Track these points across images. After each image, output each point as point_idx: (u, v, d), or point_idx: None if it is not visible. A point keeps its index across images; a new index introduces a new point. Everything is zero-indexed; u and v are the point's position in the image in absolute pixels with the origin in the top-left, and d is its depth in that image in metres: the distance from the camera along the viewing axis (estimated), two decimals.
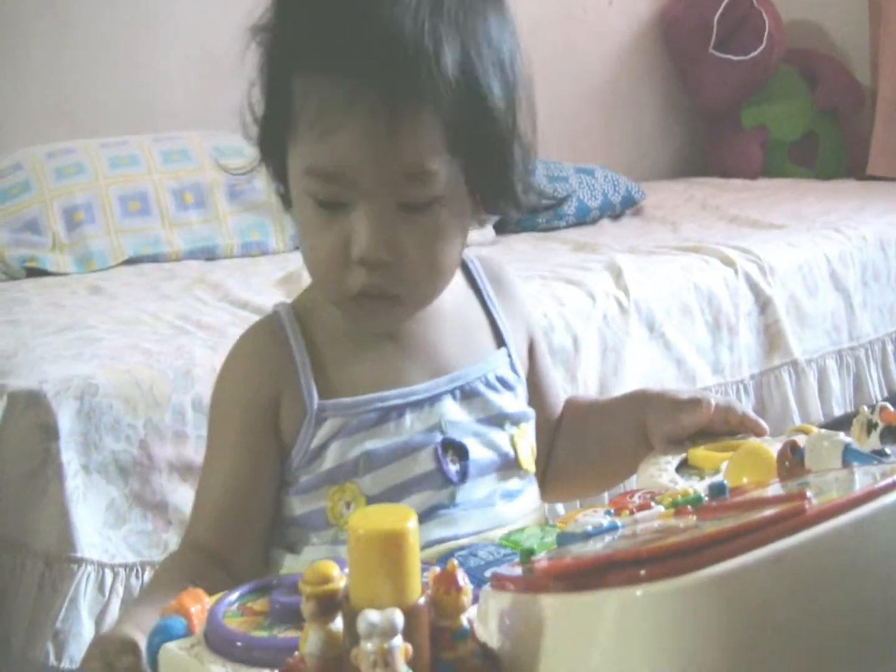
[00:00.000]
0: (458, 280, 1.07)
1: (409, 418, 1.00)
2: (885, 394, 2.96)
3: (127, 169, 2.81)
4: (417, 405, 1.01)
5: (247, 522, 1.00)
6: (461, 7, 0.93)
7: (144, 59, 3.16)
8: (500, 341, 1.09)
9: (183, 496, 1.81)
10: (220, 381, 1.05)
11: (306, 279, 2.46)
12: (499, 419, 1.05)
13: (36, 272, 2.60)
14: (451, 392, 1.02)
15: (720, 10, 4.05)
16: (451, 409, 1.02)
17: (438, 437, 1.00)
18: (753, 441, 1.01)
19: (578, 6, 4.00)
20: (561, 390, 1.21)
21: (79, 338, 1.97)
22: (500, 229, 2.99)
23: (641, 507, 0.77)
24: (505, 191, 1.00)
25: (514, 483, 1.05)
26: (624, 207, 3.40)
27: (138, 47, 3.15)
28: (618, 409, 1.14)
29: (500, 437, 1.04)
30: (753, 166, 4.08)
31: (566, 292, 2.34)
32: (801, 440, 0.85)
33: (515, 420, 1.06)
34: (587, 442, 1.15)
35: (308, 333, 1.03)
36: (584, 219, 3.25)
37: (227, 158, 2.84)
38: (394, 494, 0.98)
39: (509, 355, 1.08)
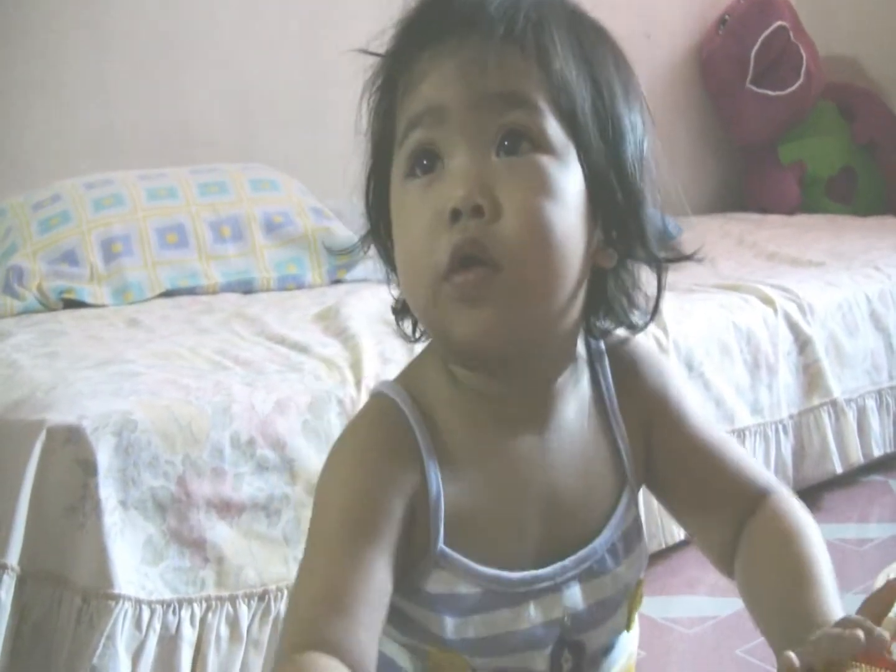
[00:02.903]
0: (583, 386, 0.94)
1: (530, 609, 0.89)
2: None
3: (165, 201, 2.82)
4: (540, 594, 0.90)
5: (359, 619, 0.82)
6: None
7: (182, 92, 3.19)
8: (622, 474, 0.95)
9: (220, 533, 1.81)
10: (331, 485, 0.88)
11: (344, 314, 2.46)
12: (623, 593, 0.94)
13: (73, 303, 2.61)
14: (578, 576, 0.91)
15: (757, 45, 4.04)
16: (574, 596, 0.91)
17: (557, 633, 0.90)
18: None
19: (616, 37, 3.99)
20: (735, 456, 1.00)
21: (118, 372, 1.97)
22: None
23: None
24: (633, 216, 0.89)
25: (617, 645, 0.96)
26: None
27: (177, 79, 3.18)
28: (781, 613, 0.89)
29: (620, 613, 0.95)
30: (791, 202, 4.07)
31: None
32: None
33: (636, 581, 0.96)
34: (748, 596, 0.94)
35: (433, 434, 0.89)
36: None
37: (263, 192, 2.90)
38: None
39: (631, 490, 0.95)
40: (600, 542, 0.92)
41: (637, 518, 0.96)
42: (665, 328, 2.42)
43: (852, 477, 2.80)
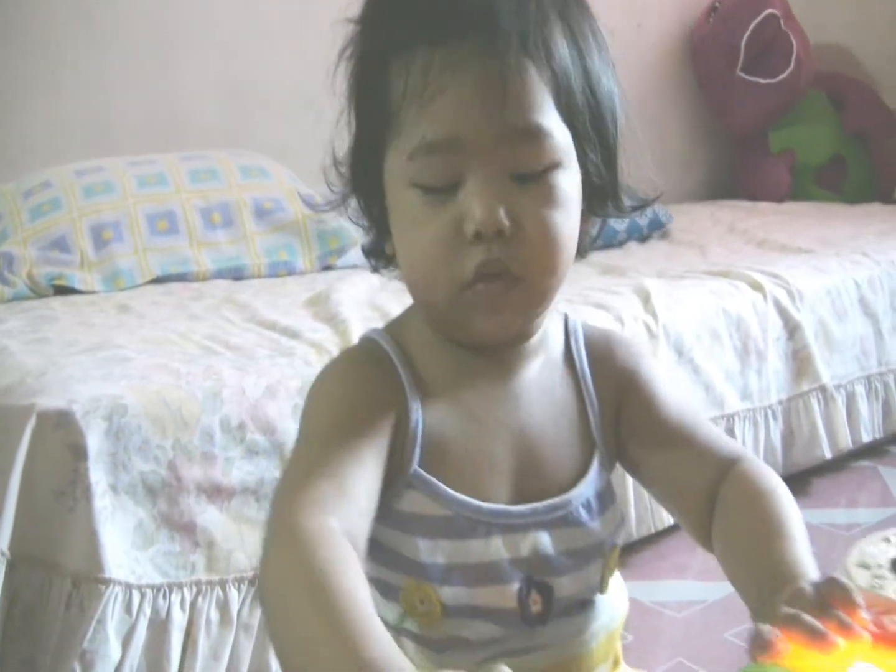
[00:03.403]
0: (554, 344, 1.00)
1: (499, 542, 0.92)
2: None
3: (155, 188, 2.82)
4: (509, 529, 0.92)
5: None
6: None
7: (175, 80, 3.18)
8: (591, 440, 0.99)
9: (210, 517, 1.81)
10: (319, 397, 0.93)
11: (334, 300, 2.47)
12: (596, 549, 0.96)
13: (64, 290, 2.61)
14: (549, 522, 0.94)
15: (748, 33, 4.04)
16: (545, 542, 0.93)
17: (524, 573, 0.92)
18: None
19: (605, 27, 3.99)
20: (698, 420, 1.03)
21: (108, 357, 1.97)
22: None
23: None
24: (611, 180, 0.94)
25: (592, 607, 0.98)
26: (651, 230, 3.39)
27: (169, 67, 3.17)
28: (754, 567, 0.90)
29: (594, 569, 0.97)
30: (781, 190, 4.07)
31: (595, 316, 2.33)
32: None
33: (612, 545, 0.98)
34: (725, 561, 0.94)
35: (412, 372, 0.94)
36: (612, 241, 3.25)
37: (253, 179, 2.89)
38: (469, 613, 0.91)
39: (601, 456, 0.99)
40: (574, 495, 0.95)
41: (610, 484, 1.00)
42: (655, 314, 2.43)
43: (841, 462, 2.81)
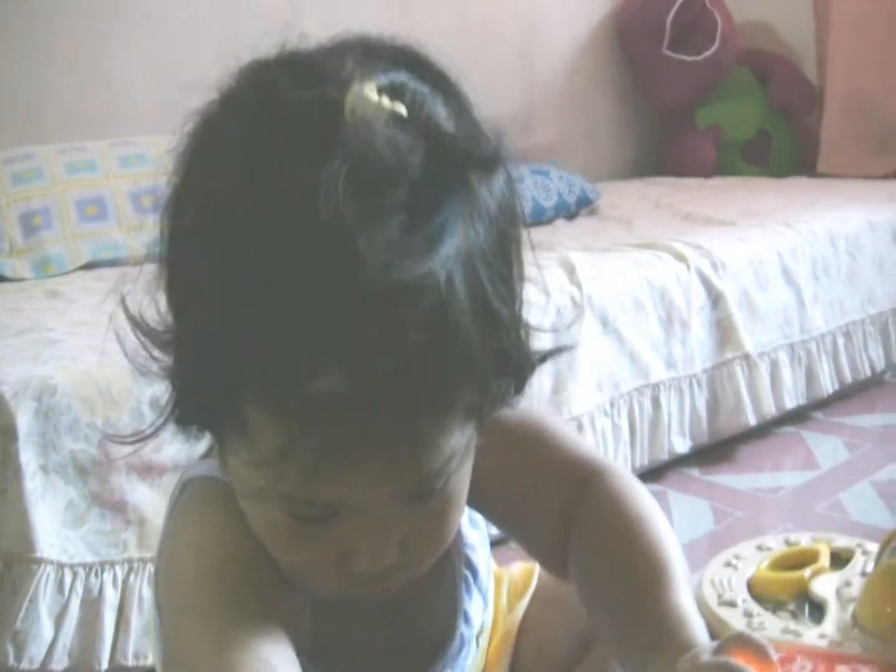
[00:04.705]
0: None
1: None
2: (837, 386, 3.01)
3: (84, 174, 2.81)
4: None
5: None
6: (456, 225, 0.67)
7: (104, 65, 3.16)
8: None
9: (142, 495, 1.82)
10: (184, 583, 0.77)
11: None
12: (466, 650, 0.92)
13: None
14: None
15: (673, 12, 4.08)
16: None
17: None
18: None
19: (534, 6, 4.02)
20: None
21: (37, 340, 1.97)
22: None
23: None
24: (517, 388, 0.78)
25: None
26: (579, 207, 3.42)
27: (105, 54, 3.15)
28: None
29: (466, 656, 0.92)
30: (708, 165, 4.12)
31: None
32: None
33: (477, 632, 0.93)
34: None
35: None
36: (540, 219, 3.26)
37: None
38: None
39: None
40: (454, 641, 0.90)
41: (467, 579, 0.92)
42: (580, 285, 2.46)
43: (766, 429, 2.85)
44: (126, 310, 0.80)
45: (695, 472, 2.67)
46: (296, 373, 0.64)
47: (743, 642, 0.69)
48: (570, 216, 3.40)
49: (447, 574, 0.90)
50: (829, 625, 0.87)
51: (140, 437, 0.82)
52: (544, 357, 0.79)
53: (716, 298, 2.71)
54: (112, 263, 2.72)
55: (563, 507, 0.85)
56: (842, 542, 1.02)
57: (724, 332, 2.72)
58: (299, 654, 0.74)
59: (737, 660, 0.67)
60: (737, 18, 4.24)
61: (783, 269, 2.89)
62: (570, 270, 2.51)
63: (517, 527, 0.90)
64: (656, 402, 2.57)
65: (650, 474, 2.57)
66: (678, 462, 2.67)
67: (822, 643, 0.85)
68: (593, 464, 0.87)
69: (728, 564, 0.99)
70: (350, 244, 0.62)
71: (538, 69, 4.06)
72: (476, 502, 0.87)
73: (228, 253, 0.66)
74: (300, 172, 0.64)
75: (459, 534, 0.91)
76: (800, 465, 2.68)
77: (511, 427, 0.86)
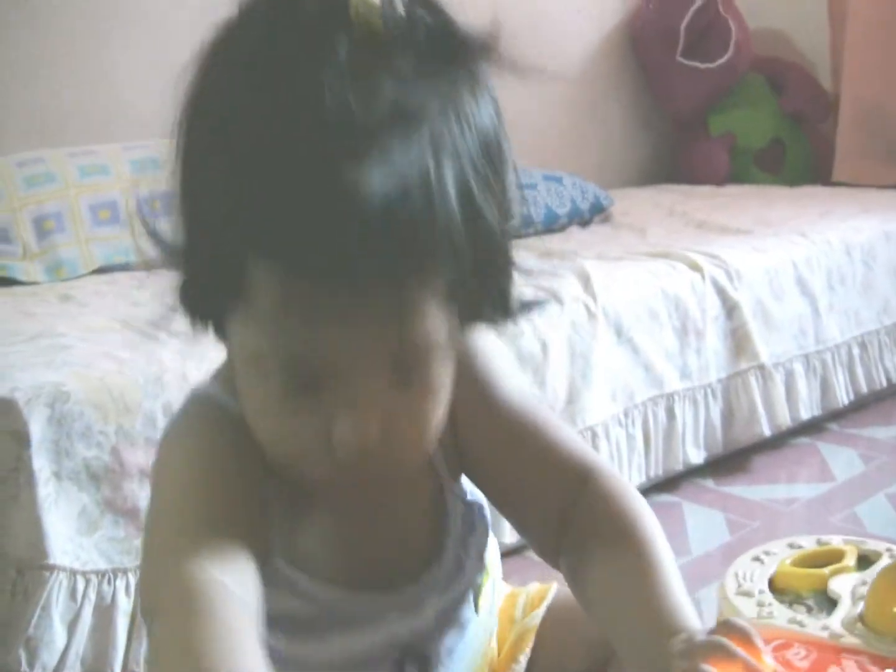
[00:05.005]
0: None
1: (367, 631, 0.87)
2: (852, 397, 2.99)
3: (97, 177, 2.81)
4: (376, 619, 0.88)
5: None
6: (445, 121, 0.74)
7: (113, 67, 3.16)
8: (434, 474, 0.92)
9: None
10: (170, 482, 0.83)
11: None
12: (468, 588, 0.93)
13: (5, 281, 2.59)
14: (424, 597, 0.89)
15: (687, 18, 4.08)
16: (420, 616, 0.90)
17: (397, 652, 0.89)
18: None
19: (545, 13, 4.01)
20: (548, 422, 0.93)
21: (50, 345, 1.96)
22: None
23: None
24: (502, 305, 0.83)
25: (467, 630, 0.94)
26: (592, 214, 3.41)
27: (107, 56, 3.15)
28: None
29: (466, 608, 0.93)
30: (721, 173, 4.11)
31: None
32: None
33: (480, 581, 0.94)
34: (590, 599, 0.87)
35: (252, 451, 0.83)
36: (553, 226, 3.26)
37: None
38: None
39: (449, 489, 0.93)
40: (444, 561, 0.91)
41: (469, 512, 0.93)
42: (594, 295, 2.45)
43: (781, 439, 2.84)
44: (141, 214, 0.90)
45: (709, 482, 2.66)
46: (294, 224, 0.70)
47: (728, 629, 0.73)
48: (584, 223, 3.38)
49: (431, 491, 0.92)
50: (835, 619, 0.93)
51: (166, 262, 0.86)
52: (529, 305, 0.86)
53: (731, 308, 2.70)
54: (124, 268, 2.71)
55: (560, 503, 0.89)
56: (872, 544, 1.06)
57: (738, 342, 2.71)
58: (276, 555, 0.82)
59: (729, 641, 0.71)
60: (751, 25, 4.23)
61: (798, 279, 2.88)
62: (585, 280, 2.50)
63: (514, 513, 0.94)
64: (671, 413, 2.56)
65: (664, 485, 2.57)
66: (693, 473, 2.66)
67: (824, 634, 0.90)
68: (590, 463, 0.90)
69: (756, 559, 1.05)
70: (348, 114, 0.69)
71: (549, 74, 4.03)
72: (472, 478, 0.93)
73: (240, 124, 0.73)
74: (306, 51, 0.72)
75: (460, 486, 0.94)
76: (815, 477, 2.67)
77: (512, 414, 0.91)
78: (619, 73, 4.28)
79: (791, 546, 1.08)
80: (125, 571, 1.79)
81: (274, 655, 0.75)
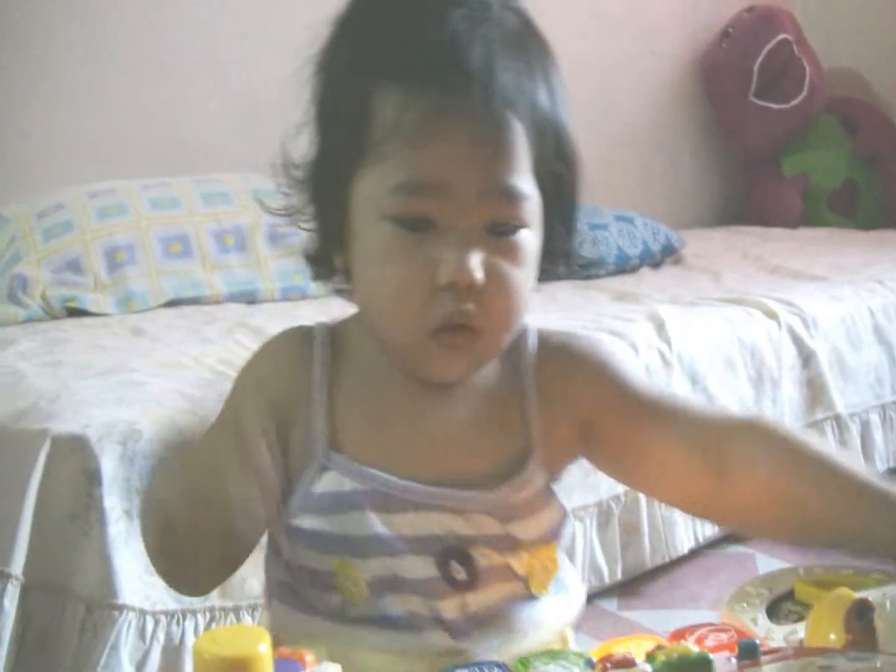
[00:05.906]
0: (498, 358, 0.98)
1: (413, 517, 0.92)
2: None
3: (168, 210, 2.82)
4: (424, 507, 0.92)
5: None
6: (534, 44, 0.92)
7: (184, 99, 3.18)
8: (526, 441, 0.96)
9: None
10: (242, 375, 1.00)
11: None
12: (511, 545, 0.94)
13: (76, 312, 2.61)
14: (462, 510, 0.92)
15: (761, 58, 4.05)
16: (458, 524, 0.92)
17: (440, 547, 0.92)
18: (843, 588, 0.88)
19: (619, 51, 4.00)
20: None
21: (122, 381, 1.96)
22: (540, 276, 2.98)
23: (622, 664, 0.74)
24: (567, 240, 0.97)
25: (527, 602, 0.96)
26: (664, 256, 3.38)
27: (178, 87, 3.17)
28: (860, 504, 0.86)
29: (513, 560, 0.95)
30: (794, 214, 4.07)
31: (609, 344, 2.32)
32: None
33: (530, 545, 0.96)
34: (789, 499, 0.89)
35: (337, 366, 0.96)
36: (624, 266, 3.23)
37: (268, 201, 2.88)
38: (394, 587, 0.92)
39: (538, 461, 0.96)
40: (490, 498, 0.93)
41: (548, 489, 0.97)
42: (669, 341, 2.43)
43: None
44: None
45: None
46: (414, 49, 0.87)
47: None
48: (655, 265, 3.35)
49: (512, 449, 0.96)
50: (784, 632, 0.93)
51: (288, 213, 0.98)
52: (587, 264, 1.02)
53: (807, 357, 2.66)
54: (194, 301, 2.72)
55: (712, 447, 0.91)
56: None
57: (814, 391, 2.68)
58: (320, 445, 0.93)
59: None
60: (824, 65, 4.19)
61: (875, 328, 2.84)
62: (659, 325, 2.48)
63: (658, 475, 0.97)
64: None
65: (737, 535, 2.52)
66: None
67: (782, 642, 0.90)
68: (745, 413, 0.96)
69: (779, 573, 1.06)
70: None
71: (622, 114, 4.03)
72: (605, 453, 0.99)
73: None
74: None
75: (552, 477, 0.98)
76: None
77: (641, 390, 0.97)
78: (690, 113, 4.26)
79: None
80: (194, 612, 1.78)
81: (336, 536, 0.91)
